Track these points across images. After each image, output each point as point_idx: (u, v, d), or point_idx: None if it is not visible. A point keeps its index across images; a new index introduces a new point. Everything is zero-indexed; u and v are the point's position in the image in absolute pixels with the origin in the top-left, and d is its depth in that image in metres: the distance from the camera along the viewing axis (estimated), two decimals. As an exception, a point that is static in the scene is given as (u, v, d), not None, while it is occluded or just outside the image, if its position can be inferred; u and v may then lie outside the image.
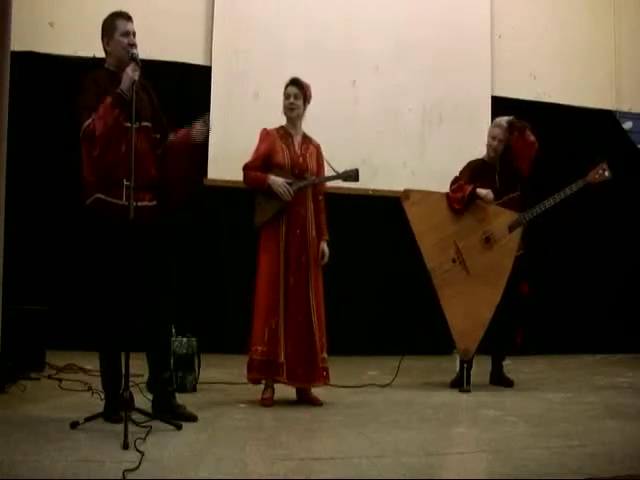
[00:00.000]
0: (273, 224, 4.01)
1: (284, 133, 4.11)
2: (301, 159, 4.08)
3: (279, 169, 4.02)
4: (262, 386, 3.99)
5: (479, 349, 4.59)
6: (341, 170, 4.12)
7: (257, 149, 4.09)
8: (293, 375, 3.91)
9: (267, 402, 3.90)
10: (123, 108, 3.18)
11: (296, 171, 4.04)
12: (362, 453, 2.88)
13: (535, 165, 4.78)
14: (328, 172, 4.19)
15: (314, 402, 3.98)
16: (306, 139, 4.16)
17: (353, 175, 4.10)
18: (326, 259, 4.11)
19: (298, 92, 4.06)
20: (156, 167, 3.41)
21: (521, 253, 4.69)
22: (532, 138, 4.70)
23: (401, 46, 6.55)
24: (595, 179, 4.61)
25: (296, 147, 4.10)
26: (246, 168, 4.07)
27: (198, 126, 3.38)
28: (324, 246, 4.10)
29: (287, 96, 4.07)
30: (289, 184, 3.97)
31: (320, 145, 4.20)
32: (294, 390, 4.05)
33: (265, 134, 4.10)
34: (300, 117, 4.12)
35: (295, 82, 4.08)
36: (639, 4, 7.32)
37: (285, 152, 4.05)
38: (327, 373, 4.01)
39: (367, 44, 6.49)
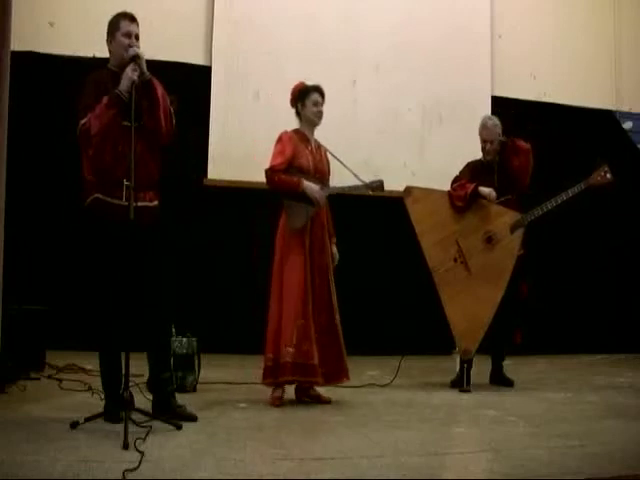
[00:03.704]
0: (301, 227, 4.00)
1: (303, 137, 4.11)
2: (320, 164, 4.11)
3: (304, 173, 4.00)
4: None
5: (479, 349, 4.59)
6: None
7: (282, 151, 4.01)
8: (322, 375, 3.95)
9: (278, 402, 3.89)
10: (121, 108, 3.17)
11: (318, 175, 4.07)
12: (362, 453, 2.87)
13: (535, 166, 4.78)
14: (353, 181, 4.16)
15: (322, 400, 3.99)
16: (317, 144, 4.18)
17: (378, 186, 4.11)
18: (336, 262, 4.17)
19: (322, 100, 4.10)
20: (156, 166, 3.41)
21: (522, 253, 4.69)
22: (526, 146, 4.69)
23: (401, 46, 6.56)
24: (597, 181, 4.60)
25: (314, 152, 4.11)
26: (273, 170, 3.98)
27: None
28: (334, 249, 4.18)
29: (316, 103, 4.08)
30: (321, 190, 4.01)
31: (327, 150, 4.22)
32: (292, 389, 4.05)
33: (288, 138, 4.05)
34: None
35: (319, 89, 4.11)
36: (639, 4, 7.33)
37: (309, 156, 4.06)
38: (348, 371, 4.09)
39: (367, 44, 6.50)
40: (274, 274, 4.00)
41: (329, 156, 4.20)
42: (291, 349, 3.83)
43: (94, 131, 3.14)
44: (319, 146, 4.18)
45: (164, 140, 3.39)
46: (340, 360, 4.04)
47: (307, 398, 4.03)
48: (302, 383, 3.97)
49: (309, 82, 4.15)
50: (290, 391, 4.04)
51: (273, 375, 3.89)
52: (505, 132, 4.86)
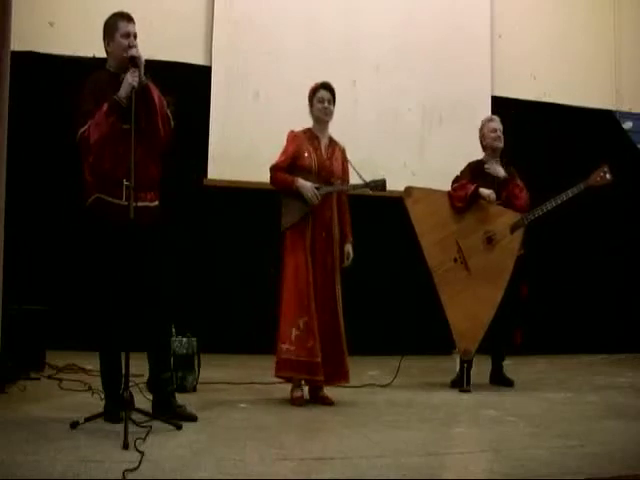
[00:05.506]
0: (299, 226, 4.01)
1: (311, 136, 4.11)
2: (328, 162, 4.09)
3: (306, 172, 4.01)
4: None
5: (479, 349, 4.59)
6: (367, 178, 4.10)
7: (285, 150, 4.06)
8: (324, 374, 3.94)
9: (299, 401, 3.90)
10: (120, 113, 3.17)
11: (323, 174, 4.05)
12: (362, 453, 2.87)
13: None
14: (356, 180, 4.16)
15: (327, 401, 3.98)
16: (332, 142, 4.17)
17: (380, 185, 4.08)
18: (349, 262, 4.16)
19: (331, 97, 4.09)
20: (156, 168, 3.41)
21: (522, 253, 4.69)
22: (520, 203, 4.69)
23: (401, 46, 6.56)
24: (596, 182, 4.59)
25: (323, 150, 4.10)
26: (275, 169, 4.04)
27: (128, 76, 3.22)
28: (349, 248, 4.17)
29: (321, 100, 4.07)
30: (317, 188, 3.98)
31: (345, 149, 4.21)
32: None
33: (293, 136, 4.09)
34: (329, 121, 4.14)
35: (327, 86, 4.10)
36: (639, 4, 7.33)
37: (312, 155, 4.05)
38: (348, 373, 4.08)
39: (367, 44, 6.50)
40: (282, 273, 4.02)
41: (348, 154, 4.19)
42: (287, 346, 3.86)
43: (94, 139, 3.14)
44: (330, 144, 4.15)
45: (163, 143, 3.39)
46: (341, 362, 4.04)
47: (319, 400, 4.01)
48: (310, 382, 3.96)
49: (310, 83, 4.15)
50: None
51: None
52: (505, 132, 4.87)
